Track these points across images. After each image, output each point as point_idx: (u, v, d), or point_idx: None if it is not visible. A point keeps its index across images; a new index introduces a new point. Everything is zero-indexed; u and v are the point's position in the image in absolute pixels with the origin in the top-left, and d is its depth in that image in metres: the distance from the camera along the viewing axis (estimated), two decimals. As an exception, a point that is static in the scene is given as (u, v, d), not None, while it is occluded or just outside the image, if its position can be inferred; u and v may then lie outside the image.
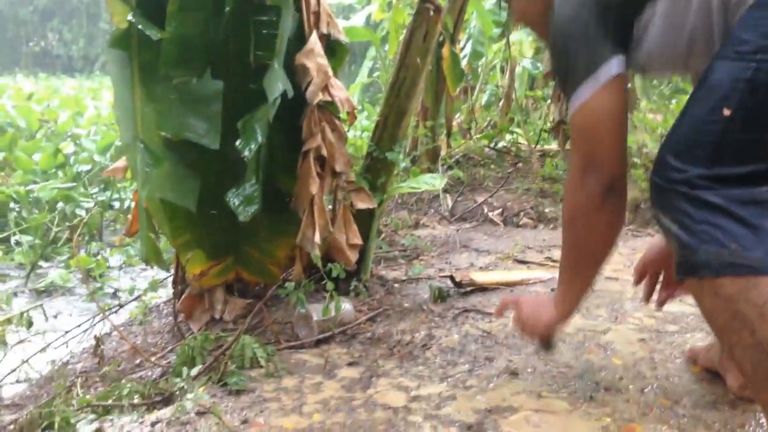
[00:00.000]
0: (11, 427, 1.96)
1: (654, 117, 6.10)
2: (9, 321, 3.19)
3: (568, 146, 5.64)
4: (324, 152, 2.61)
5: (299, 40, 2.59)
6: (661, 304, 1.89)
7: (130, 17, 2.28)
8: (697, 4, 1.40)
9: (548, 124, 6.75)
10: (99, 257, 4.81)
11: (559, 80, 1.62)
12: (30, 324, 2.83)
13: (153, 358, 2.44)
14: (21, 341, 2.82)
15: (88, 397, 2.02)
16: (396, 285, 2.97)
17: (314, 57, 2.55)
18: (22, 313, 2.86)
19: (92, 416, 1.85)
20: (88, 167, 6.92)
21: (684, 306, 2.57)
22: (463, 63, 6.20)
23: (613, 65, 1.48)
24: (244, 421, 1.71)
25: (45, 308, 3.90)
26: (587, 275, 1.68)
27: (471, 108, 7.50)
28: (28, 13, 40.70)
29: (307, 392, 1.91)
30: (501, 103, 7.82)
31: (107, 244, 5.63)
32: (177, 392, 1.90)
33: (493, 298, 2.74)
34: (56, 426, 1.73)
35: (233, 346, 2.10)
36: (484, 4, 6.74)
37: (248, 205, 2.46)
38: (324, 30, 2.64)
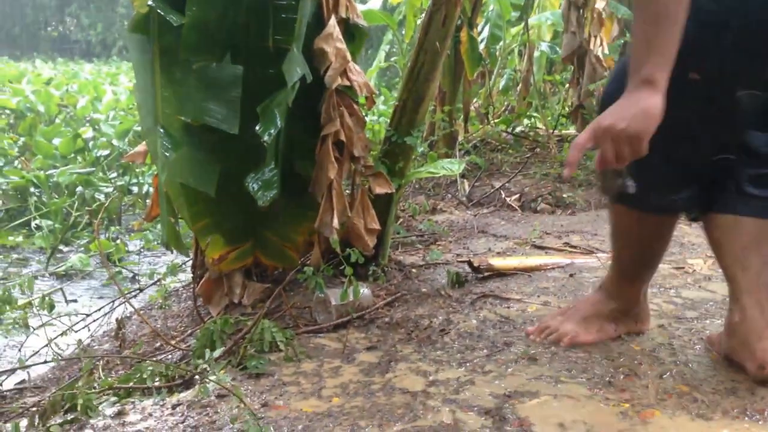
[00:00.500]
0: (34, 408, 1.99)
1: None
2: (31, 304, 3.23)
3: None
4: (342, 137, 2.61)
5: (318, 24, 2.59)
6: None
7: (150, 2, 2.29)
8: None
9: (566, 109, 6.72)
10: (118, 242, 4.85)
11: None
12: (52, 307, 2.86)
13: (173, 342, 2.46)
14: (43, 324, 2.86)
15: (109, 379, 2.05)
16: (414, 270, 2.98)
17: (333, 41, 2.54)
18: (44, 297, 2.90)
19: (114, 398, 1.88)
20: (106, 152, 6.98)
21: (703, 292, 2.56)
22: (481, 47, 6.17)
23: None
24: (264, 404, 1.73)
25: (65, 292, 3.95)
26: (673, 27, 1.55)
27: (488, 92, 7.46)
28: (46, -2, 40.89)
29: (325, 376, 1.92)
30: (519, 88, 7.76)
31: (126, 228, 5.68)
32: (198, 375, 1.92)
33: (511, 284, 2.74)
34: (79, 408, 1.75)
35: (252, 330, 2.11)
36: (503, -13, 6.70)
37: (267, 189, 2.47)
38: (343, 14, 2.64)
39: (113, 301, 3.27)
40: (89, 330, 3.11)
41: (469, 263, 2.93)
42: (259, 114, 2.35)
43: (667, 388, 1.74)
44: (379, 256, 2.88)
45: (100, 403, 1.81)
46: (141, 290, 3.43)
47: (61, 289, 3.96)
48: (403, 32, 6.59)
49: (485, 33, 6.78)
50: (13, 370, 2.72)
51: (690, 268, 2.91)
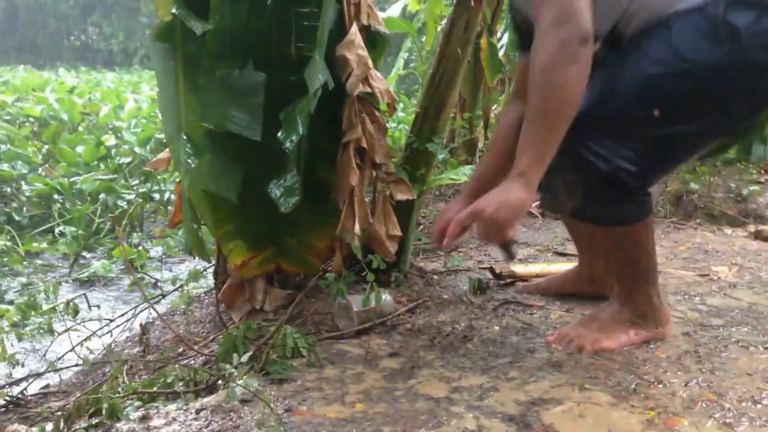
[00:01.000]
0: (59, 413, 2.01)
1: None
2: (55, 309, 3.26)
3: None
4: (364, 144, 2.61)
5: (340, 31, 2.59)
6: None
7: (174, 10, 2.31)
8: None
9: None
10: (140, 248, 4.88)
11: None
12: (76, 312, 2.88)
13: (196, 347, 2.47)
14: (67, 329, 2.88)
15: (134, 384, 2.06)
16: (435, 276, 2.97)
17: (354, 48, 2.55)
18: (68, 302, 2.92)
19: (138, 403, 1.89)
20: (129, 159, 7.03)
21: (728, 300, 2.54)
22: (501, 53, 6.15)
23: None
24: (288, 410, 1.73)
25: (88, 298, 3.99)
26: (558, 130, 1.66)
27: (508, 99, 7.44)
28: (69, 8, 41.32)
29: (348, 382, 1.92)
30: (538, 94, 7.72)
31: (148, 235, 5.72)
32: (222, 379, 1.93)
33: (534, 290, 2.72)
34: (104, 412, 1.76)
35: (275, 335, 2.12)
36: (523, -6, 6.67)
37: (289, 196, 2.47)
38: (364, 21, 2.64)
39: (136, 307, 3.29)
40: (112, 335, 3.13)
41: (491, 270, 2.92)
42: (282, 121, 2.37)
43: (693, 396, 1.72)
44: (401, 263, 2.87)
45: (125, 408, 1.82)
46: (163, 296, 3.44)
47: (84, 294, 3.99)
48: (423, 39, 6.58)
49: (504, 39, 6.76)
50: (41, 374, 2.76)
51: (715, 275, 2.88)
